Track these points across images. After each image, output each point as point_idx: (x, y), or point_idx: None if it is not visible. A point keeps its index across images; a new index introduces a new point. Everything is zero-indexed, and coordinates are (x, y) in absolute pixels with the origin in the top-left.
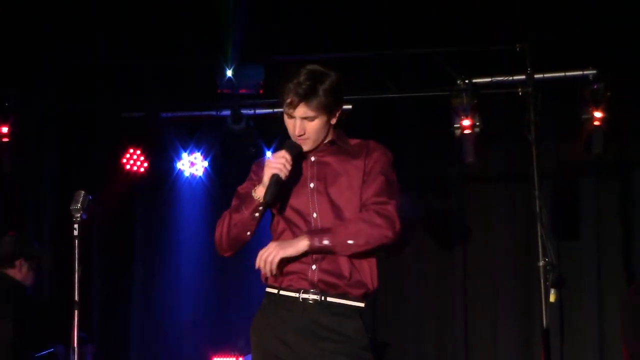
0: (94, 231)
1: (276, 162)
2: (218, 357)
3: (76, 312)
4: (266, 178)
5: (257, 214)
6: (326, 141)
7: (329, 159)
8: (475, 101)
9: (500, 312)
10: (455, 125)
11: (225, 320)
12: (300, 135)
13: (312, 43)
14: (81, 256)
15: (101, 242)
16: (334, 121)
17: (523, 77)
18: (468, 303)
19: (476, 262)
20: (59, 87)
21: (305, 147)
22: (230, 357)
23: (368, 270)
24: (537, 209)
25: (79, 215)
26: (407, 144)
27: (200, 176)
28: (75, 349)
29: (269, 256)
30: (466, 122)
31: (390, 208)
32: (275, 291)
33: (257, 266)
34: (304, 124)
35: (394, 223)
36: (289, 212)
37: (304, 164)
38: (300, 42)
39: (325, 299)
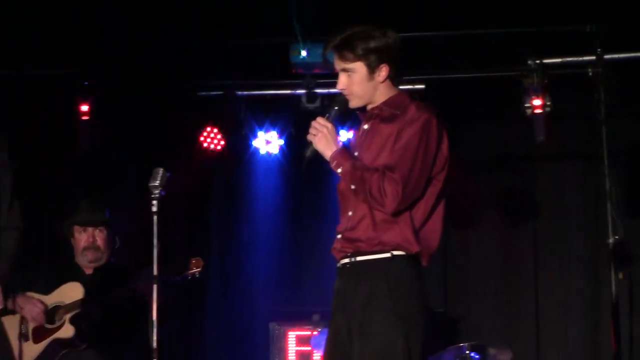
0: (172, 207)
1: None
2: (294, 331)
3: (155, 286)
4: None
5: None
6: (379, 103)
7: (375, 125)
8: (546, 81)
9: (569, 288)
10: (526, 105)
11: (300, 296)
12: (342, 89)
13: (384, 23)
14: (160, 231)
15: (179, 218)
16: (380, 79)
17: (593, 57)
18: (538, 278)
19: (545, 238)
20: (138, 66)
21: (352, 104)
22: (306, 330)
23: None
24: (607, 188)
25: (157, 191)
26: (479, 123)
27: (275, 154)
28: (155, 322)
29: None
30: (537, 102)
31: (390, 185)
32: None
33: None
34: (345, 78)
35: (384, 200)
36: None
37: (358, 132)
38: (372, 22)
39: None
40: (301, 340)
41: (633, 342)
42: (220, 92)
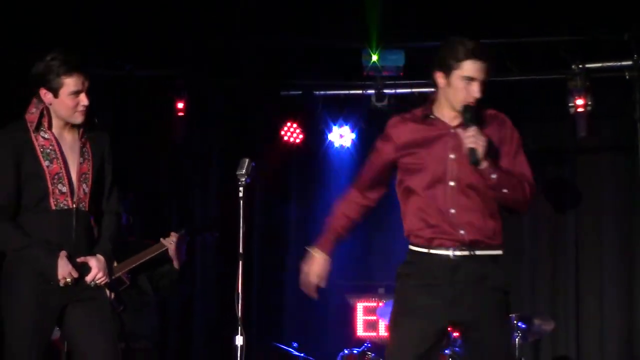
0: (256, 193)
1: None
2: (361, 302)
3: (240, 262)
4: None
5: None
6: None
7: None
8: (588, 83)
9: (607, 269)
10: (570, 105)
11: (369, 271)
12: (477, 98)
13: (445, 30)
14: (245, 215)
15: (262, 203)
16: None
17: (630, 62)
18: (578, 260)
19: (586, 222)
20: (225, 67)
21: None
22: (373, 302)
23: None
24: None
25: (243, 179)
26: (527, 121)
27: (348, 147)
28: (240, 294)
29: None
30: (579, 102)
31: (531, 189)
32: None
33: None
34: (481, 87)
35: (528, 203)
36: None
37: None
38: (434, 29)
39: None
40: (368, 311)
41: None
42: (300, 92)
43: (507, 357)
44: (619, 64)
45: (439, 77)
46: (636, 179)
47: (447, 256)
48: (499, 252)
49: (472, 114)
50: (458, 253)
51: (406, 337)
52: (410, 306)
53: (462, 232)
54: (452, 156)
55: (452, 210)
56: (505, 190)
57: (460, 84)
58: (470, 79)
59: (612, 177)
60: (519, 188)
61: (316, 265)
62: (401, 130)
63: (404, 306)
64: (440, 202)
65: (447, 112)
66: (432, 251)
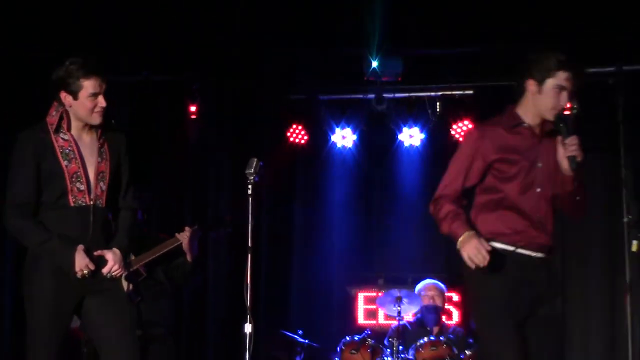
0: (264, 191)
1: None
2: (362, 292)
3: (249, 255)
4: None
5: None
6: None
7: (552, 139)
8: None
9: (591, 260)
10: None
11: (368, 264)
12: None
13: (439, 39)
14: (254, 211)
15: (269, 199)
16: None
17: (613, 69)
18: (565, 251)
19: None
20: (235, 73)
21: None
22: (372, 292)
23: None
24: (623, 175)
25: (252, 177)
26: None
27: (350, 147)
28: (248, 285)
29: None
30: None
31: None
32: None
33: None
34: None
35: None
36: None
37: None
38: (430, 38)
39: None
40: (369, 300)
41: None
42: (305, 96)
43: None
44: (603, 69)
45: (531, 85)
46: (616, 176)
47: (530, 257)
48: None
49: (570, 123)
50: (539, 255)
51: (511, 334)
52: (504, 304)
53: (543, 235)
54: (539, 164)
55: (538, 215)
56: (578, 198)
57: (552, 92)
58: (562, 88)
59: (594, 175)
60: (584, 194)
61: (476, 238)
62: (494, 138)
63: (498, 304)
64: (528, 208)
65: (532, 119)
66: (518, 250)
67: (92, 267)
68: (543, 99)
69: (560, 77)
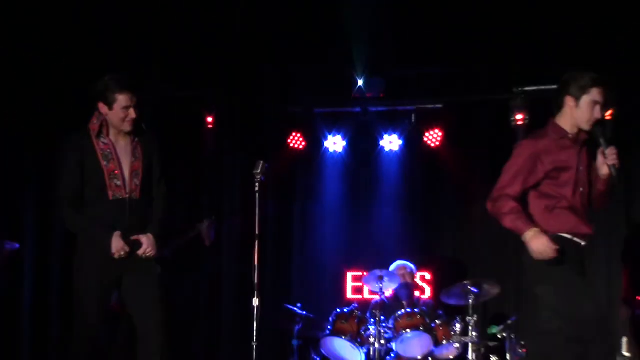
0: (269, 188)
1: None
2: (350, 272)
3: (257, 242)
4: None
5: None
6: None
7: (585, 149)
8: (526, 103)
9: None
10: (511, 119)
11: (355, 249)
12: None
13: (417, 61)
14: (260, 204)
15: (273, 195)
16: None
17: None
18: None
19: None
20: (245, 89)
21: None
22: (359, 272)
23: None
24: None
25: (259, 177)
26: (480, 134)
27: (340, 152)
28: (256, 269)
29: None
30: (519, 117)
31: None
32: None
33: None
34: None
35: None
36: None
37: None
38: (407, 61)
39: None
40: (356, 279)
41: None
42: (303, 109)
43: None
44: (553, 87)
45: (569, 101)
46: None
47: (582, 246)
48: None
49: (607, 134)
50: (586, 244)
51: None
52: (569, 285)
53: (588, 227)
54: (581, 168)
55: (582, 211)
56: (608, 194)
57: (588, 107)
58: (596, 103)
59: None
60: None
61: (543, 236)
62: (547, 152)
63: (564, 285)
64: (579, 205)
65: (570, 129)
66: (575, 239)
67: (127, 249)
68: (580, 112)
69: (594, 93)
